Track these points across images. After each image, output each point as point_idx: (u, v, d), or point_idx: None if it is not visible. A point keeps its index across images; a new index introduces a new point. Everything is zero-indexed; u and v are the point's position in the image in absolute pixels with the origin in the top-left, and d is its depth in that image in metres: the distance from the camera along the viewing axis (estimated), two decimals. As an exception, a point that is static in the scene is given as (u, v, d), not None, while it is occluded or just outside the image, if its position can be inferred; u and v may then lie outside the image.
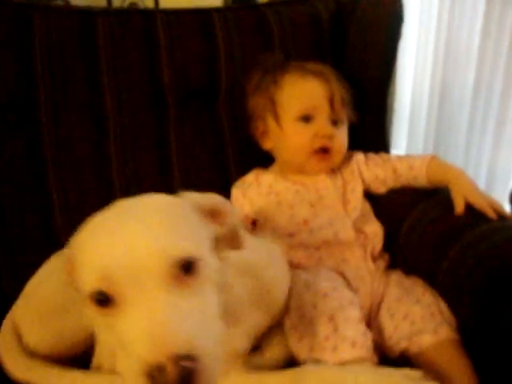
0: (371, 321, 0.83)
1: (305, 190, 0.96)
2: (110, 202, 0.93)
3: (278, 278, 0.79)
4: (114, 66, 0.98)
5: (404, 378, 0.63)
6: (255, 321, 0.73)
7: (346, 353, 0.69)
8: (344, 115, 0.98)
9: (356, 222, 0.94)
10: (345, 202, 0.96)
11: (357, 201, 0.96)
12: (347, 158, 1.02)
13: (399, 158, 0.99)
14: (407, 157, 0.99)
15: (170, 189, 0.64)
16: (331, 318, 0.72)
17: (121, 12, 1.02)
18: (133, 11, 1.03)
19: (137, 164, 0.99)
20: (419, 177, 0.94)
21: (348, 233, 0.91)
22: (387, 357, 0.77)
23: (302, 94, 0.95)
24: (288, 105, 0.95)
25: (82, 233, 0.53)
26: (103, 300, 0.48)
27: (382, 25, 1.03)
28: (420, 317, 0.77)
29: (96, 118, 0.98)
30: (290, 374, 0.68)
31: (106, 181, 0.98)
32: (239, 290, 0.69)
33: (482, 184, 1.80)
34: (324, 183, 0.97)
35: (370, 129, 1.09)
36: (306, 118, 0.94)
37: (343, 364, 0.69)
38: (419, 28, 2.02)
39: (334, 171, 1.00)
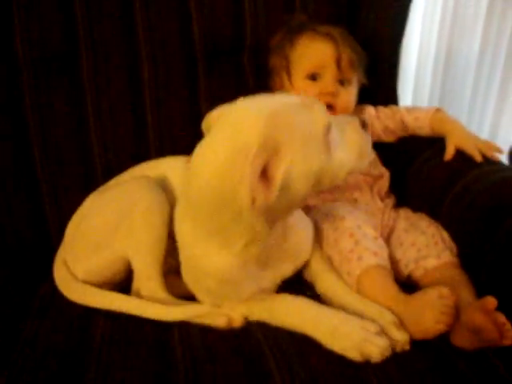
0: None
1: None
2: (144, 149, 1.03)
3: (308, 233, 0.86)
4: (149, 21, 1.06)
5: (362, 329, 0.70)
6: (282, 270, 0.82)
7: (371, 260, 0.80)
8: (352, 76, 1.05)
9: None
10: None
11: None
12: (359, 111, 1.09)
13: (407, 109, 1.08)
14: (414, 108, 1.07)
15: (199, 135, 0.75)
16: (351, 235, 0.83)
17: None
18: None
19: (170, 112, 1.09)
20: (423, 127, 1.04)
21: (355, 176, 1.01)
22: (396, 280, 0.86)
23: (311, 53, 1.03)
24: (298, 63, 1.03)
25: None
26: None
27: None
28: (425, 245, 0.88)
29: (132, 69, 1.07)
30: (266, 301, 0.77)
31: (141, 122, 1.08)
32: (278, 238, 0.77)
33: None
34: None
35: (382, 84, 1.17)
36: (314, 77, 1.02)
37: (369, 270, 0.78)
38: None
39: None
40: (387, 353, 0.68)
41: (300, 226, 0.83)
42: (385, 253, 0.83)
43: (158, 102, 1.08)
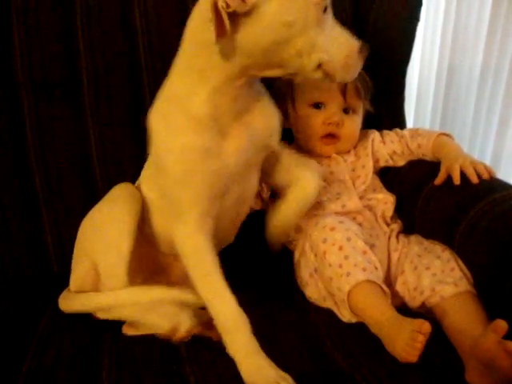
0: (393, 275, 0.91)
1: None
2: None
3: (274, 118, 0.88)
4: (150, 43, 1.04)
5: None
6: (242, 144, 0.81)
7: (359, 275, 0.80)
8: (358, 105, 1.04)
9: (365, 192, 1.02)
10: (354, 177, 1.04)
11: (366, 176, 1.04)
12: (363, 137, 1.09)
13: (411, 134, 1.06)
14: (417, 134, 1.05)
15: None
16: (340, 248, 0.82)
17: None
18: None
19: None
20: (426, 154, 1.02)
21: (354, 203, 0.99)
22: (409, 309, 0.86)
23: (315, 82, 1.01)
24: (302, 91, 1.02)
25: None
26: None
27: (401, 7, 1.09)
28: (441, 270, 0.85)
29: (134, 94, 1.06)
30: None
31: (144, 150, 1.02)
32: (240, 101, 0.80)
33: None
34: (335, 160, 1.05)
35: (388, 106, 1.16)
36: (318, 105, 1.01)
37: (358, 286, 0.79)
38: (427, 10, 2.04)
39: (348, 152, 1.07)
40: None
41: (266, 106, 0.85)
42: (373, 267, 0.82)
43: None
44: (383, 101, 1.11)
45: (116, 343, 0.81)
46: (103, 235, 0.86)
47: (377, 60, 1.11)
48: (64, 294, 0.91)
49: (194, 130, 0.77)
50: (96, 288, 0.87)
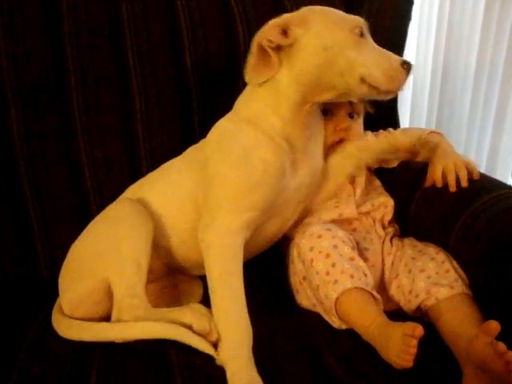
0: (388, 279, 0.90)
1: None
2: (137, 176, 1.01)
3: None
4: (139, 51, 1.04)
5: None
6: (303, 176, 0.90)
7: (347, 283, 0.79)
8: (361, 108, 1.04)
9: (364, 197, 1.01)
10: (353, 181, 1.02)
11: (362, 180, 1.02)
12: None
13: (404, 132, 1.07)
14: (409, 132, 1.06)
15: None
16: (327, 256, 0.82)
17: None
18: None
19: (163, 143, 1.07)
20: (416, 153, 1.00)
21: (351, 212, 0.98)
22: (405, 313, 0.85)
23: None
24: None
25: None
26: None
27: (392, 7, 1.08)
28: (435, 272, 0.84)
29: (123, 100, 1.05)
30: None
31: (134, 154, 1.07)
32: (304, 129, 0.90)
33: (483, 164, 1.85)
34: None
35: (382, 107, 1.13)
36: (325, 112, 1.00)
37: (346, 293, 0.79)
38: (421, 10, 2.04)
39: None
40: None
41: (318, 137, 0.94)
42: (362, 273, 0.82)
43: (150, 133, 1.06)
44: (376, 101, 1.09)
45: (106, 353, 0.79)
46: (120, 254, 0.83)
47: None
48: (61, 319, 0.86)
49: (273, 149, 0.84)
50: (94, 309, 0.85)
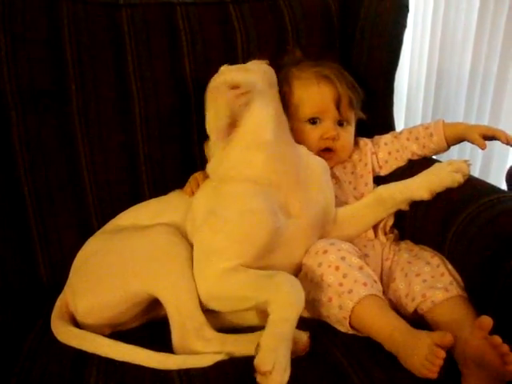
0: (385, 283, 0.91)
1: None
2: (137, 186, 1.01)
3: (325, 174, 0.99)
4: (139, 57, 1.05)
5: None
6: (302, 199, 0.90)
7: (361, 291, 0.79)
8: (351, 116, 1.05)
9: None
10: (358, 195, 1.04)
11: (368, 193, 1.03)
12: (360, 148, 1.09)
13: (409, 130, 1.07)
14: (416, 126, 1.07)
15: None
16: (337, 268, 0.82)
17: (143, 4, 1.08)
18: (154, 4, 1.08)
19: (163, 148, 1.08)
20: (435, 134, 1.02)
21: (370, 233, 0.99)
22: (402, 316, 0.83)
23: (310, 98, 1.02)
24: (297, 107, 1.02)
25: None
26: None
27: (388, 15, 1.10)
28: (431, 276, 0.85)
29: (123, 104, 1.05)
30: (270, 272, 0.79)
31: (133, 159, 1.07)
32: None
33: (477, 168, 1.87)
34: (338, 184, 1.05)
35: (377, 113, 1.16)
36: (314, 121, 1.02)
37: (362, 302, 0.78)
38: (415, 17, 2.06)
39: (344, 165, 1.08)
40: None
41: (312, 162, 0.95)
42: (373, 281, 0.82)
43: (148, 137, 1.06)
44: (372, 107, 1.11)
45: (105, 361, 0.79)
46: (177, 282, 0.82)
47: (365, 66, 1.13)
48: (61, 325, 0.86)
49: (257, 196, 0.84)
50: (111, 318, 0.85)
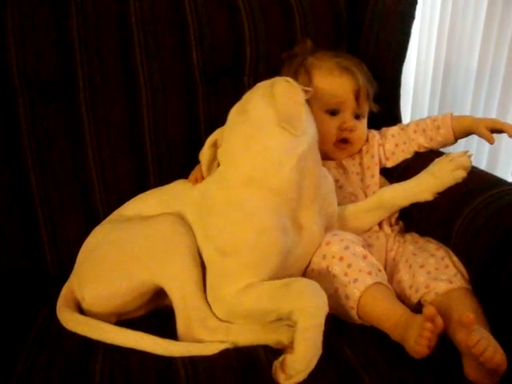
0: (389, 274, 0.90)
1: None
2: (143, 175, 1.02)
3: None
4: (146, 46, 1.05)
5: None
6: (316, 215, 0.87)
7: (367, 280, 0.79)
8: (367, 108, 1.06)
9: None
10: (365, 186, 1.04)
11: (375, 185, 1.04)
12: (367, 140, 1.09)
13: (416, 123, 1.07)
14: (423, 119, 1.07)
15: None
16: (341, 259, 0.82)
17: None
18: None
19: (169, 137, 1.08)
20: (442, 126, 1.02)
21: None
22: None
23: (330, 89, 1.01)
24: (317, 97, 1.00)
25: None
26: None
27: (396, 4, 1.10)
28: (435, 268, 0.85)
29: (130, 94, 1.06)
30: (285, 280, 0.78)
31: (139, 147, 1.07)
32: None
33: (484, 164, 1.87)
34: (346, 175, 1.05)
35: (384, 105, 1.15)
36: (333, 112, 1.02)
37: (368, 290, 0.78)
38: (423, 11, 2.05)
39: (352, 156, 1.08)
40: None
41: (326, 174, 0.92)
42: (377, 269, 0.82)
43: (156, 126, 1.07)
44: (379, 99, 1.11)
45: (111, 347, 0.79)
46: (182, 271, 0.82)
47: (372, 58, 1.13)
48: (67, 313, 0.86)
49: (272, 212, 0.81)
50: (118, 307, 0.86)
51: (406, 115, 2.25)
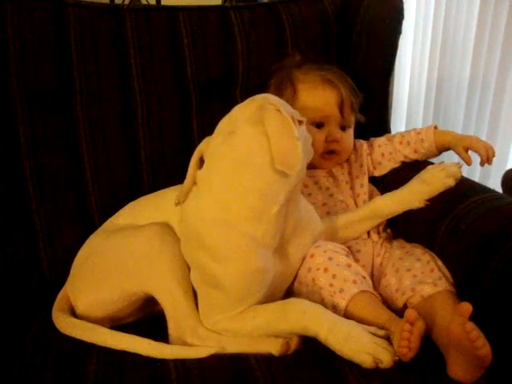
0: (376, 279, 0.94)
1: (317, 188, 1.06)
2: (138, 185, 1.04)
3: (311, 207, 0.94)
4: (142, 59, 1.08)
5: (372, 343, 0.72)
6: (303, 240, 0.87)
7: (352, 289, 0.81)
8: (352, 120, 1.08)
9: None
10: (354, 195, 1.07)
11: (364, 194, 1.07)
12: (356, 149, 1.12)
13: (402, 134, 1.10)
14: (410, 131, 1.09)
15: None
16: (326, 270, 0.84)
17: (146, 9, 1.13)
18: (157, 8, 1.12)
19: (164, 148, 1.11)
20: (426, 140, 1.05)
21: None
22: (393, 310, 0.85)
23: (315, 103, 1.04)
24: (302, 110, 1.00)
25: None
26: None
27: (383, 21, 1.13)
28: (421, 271, 0.87)
29: (126, 106, 1.09)
30: (278, 304, 0.80)
31: (135, 158, 1.10)
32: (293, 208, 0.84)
33: (477, 174, 1.89)
34: (335, 183, 1.08)
35: (373, 115, 1.18)
36: (318, 125, 1.04)
37: (354, 299, 0.80)
38: (416, 25, 2.09)
39: (341, 165, 1.11)
40: (396, 358, 0.71)
41: (304, 202, 0.90)
42: (361, 277, 0.84)
43: (151, 137, 1.10)
44: (367, 109, 1.14)
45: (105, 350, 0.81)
46: (170, 280, 0.84)
47: (361, 70, 1.16)
48: (62, 317, 0.88)
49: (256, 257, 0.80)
50: (111, 315, 0.87)
51: (401, 125, 2.28)
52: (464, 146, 0.99)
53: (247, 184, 0.76)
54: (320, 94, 1.04)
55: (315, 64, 1.08)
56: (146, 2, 3.38)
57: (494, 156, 0.97)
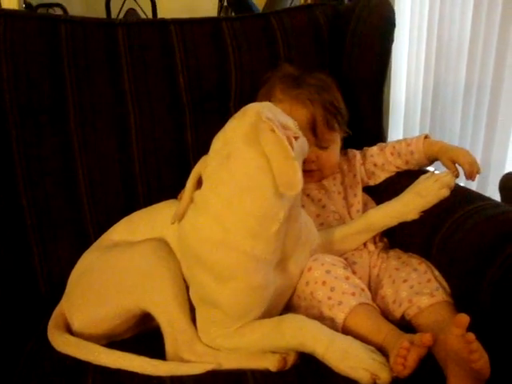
0: (373, 290, 0.92)
1: (309, 200, 1.06)
2: (133, 200, 1.03)
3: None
4: (134, 74, 1.09)
5: (369, 359, 0.72)
6: (301, 255, 0.87)
7: (351, 301, 0.80)
8: (331, 138, 1.05)
9: None
10: (348, 205, 1.06)
11: (358, 203, 1.06)
12: (349, 159, 1.11)
13: (396, 141, 1.10)
14: (401, 140, 1.09)
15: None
16: (324, 283, 0.83)
17: (138, 23, 1.13)
18: (149, 22, 1.13)
19: (158, 162, 1.11)
20: (416, 151, 1.05)
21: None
22: (391, 321, 0.84)
23: None
24: None
25: None
26: None
27: (375, 30, 1.13)
28: (418, 282, 0.86)
29: (119, 120, 1.09)
30: (274, 320, 0.79)
31: (129, 173, 1.10)
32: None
33: (476, 178, 1.88)
34: (327, 194, 1.07)
35: (368, 126, 1.19)
36: None
37: (353, 311, 0.79)
38: (411, 31, 2.11)
39: (334, 176, 1.10)
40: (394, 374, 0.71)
41: (304, 216, 0.89)
42: (360, 289, 0.83)
43: (144, 152, 1.10)
44: (361, 117, 1.14)
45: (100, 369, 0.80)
46: (166, 297, 0.83)
47: (354, 78, 1.16)
48: (58, 334, 0.87)
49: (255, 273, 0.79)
50: (107, 332, 0.87)
51: (399, 131, 2.28)
52: (451, 159, 0.99)
53: (248, 207, 0.75)
54: (291, 112, 0.99)
55: (297, 79, 1.05)
56: (142, 13, 3.41)
57: (478, 173, 0.97)
